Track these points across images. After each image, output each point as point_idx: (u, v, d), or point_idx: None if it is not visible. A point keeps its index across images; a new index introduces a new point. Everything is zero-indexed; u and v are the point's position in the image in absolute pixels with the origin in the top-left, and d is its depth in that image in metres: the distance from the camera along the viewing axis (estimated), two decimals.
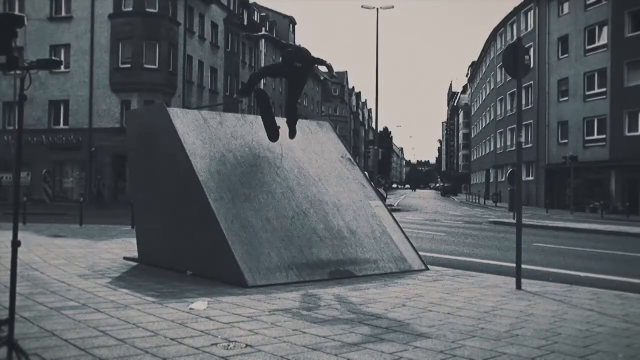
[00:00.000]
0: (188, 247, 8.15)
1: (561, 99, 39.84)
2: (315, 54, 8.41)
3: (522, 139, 8.18)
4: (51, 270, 8.13)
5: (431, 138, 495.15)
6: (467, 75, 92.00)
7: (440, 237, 16.33)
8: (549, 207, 36.12)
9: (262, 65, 51.44)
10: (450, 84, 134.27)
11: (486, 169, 64.43)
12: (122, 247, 11.27)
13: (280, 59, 8.44)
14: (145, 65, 33.39)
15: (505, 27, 53.26)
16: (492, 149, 59.96)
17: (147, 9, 33.71)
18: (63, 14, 35.11)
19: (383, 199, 11.51)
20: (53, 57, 4.49)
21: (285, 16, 65.55)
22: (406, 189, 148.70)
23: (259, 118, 9.90)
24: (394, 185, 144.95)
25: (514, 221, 12.11)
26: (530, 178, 43.72)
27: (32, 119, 33.99)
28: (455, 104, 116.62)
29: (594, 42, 36.58)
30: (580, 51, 37.49)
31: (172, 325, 5.02)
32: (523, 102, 30.48)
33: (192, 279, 7.61)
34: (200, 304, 5.85)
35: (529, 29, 44.88)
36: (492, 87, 60.26)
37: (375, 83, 37.34)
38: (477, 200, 54.77)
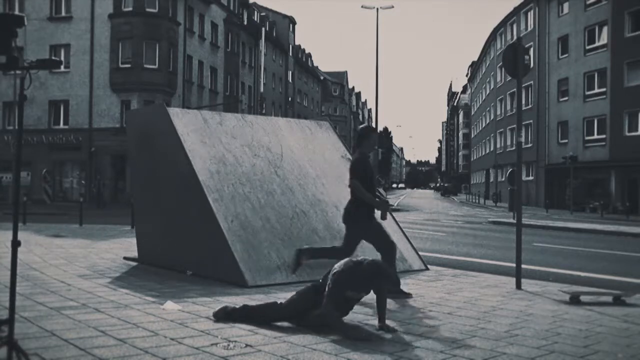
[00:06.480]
0: (188, 247, 8.15)
1: (561, 99, 39.84)
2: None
3: (522, 139, 8.18)
4: (51, 270, 8.13)
5: (431, 138, 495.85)
6: (467, 75, 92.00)
7: (440, 237, 16.32)
8: (549, 207, 36.11)
9: (262, 66, 51.42)
10: (450, 84, 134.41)
11: (486, 169, 64.43)
12: (122, 247, 11.27)
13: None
14: (145, 65, 33.40)
15: (505, 27, 53.27)
16: (492, 149, 59.97)
17: (147, 9, 33.72)
18: (63, 14, 35.12)
19: None
20: (53, 57, 4.49)
21: (285, 16, 65.56)
22: (401, 188, 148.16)
23: (259, 118, 9.91)
24: (393, 185, 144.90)
25: (514, 221, 12.12)
26: (530, 178, 43.72)
27: (32, 119, 34.01)
28: (455, 104, 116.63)
29: (594, 42, 36.58)
30: (580, 51, 37.49)
31: (172, 325, 5.02)
32: (523, 102, 30.49)
33: (192, 279, 7.61)
34: (171, 305, 5.81)
35: (529, 29, 44.88)
36: (492, 87, 60.26)
37: (375, 83, 37.33)
38: (477, 200, 54.76)
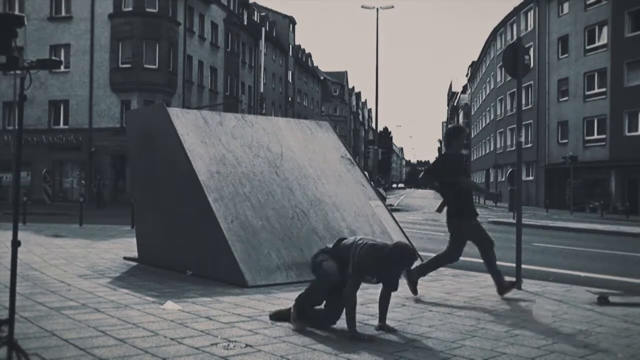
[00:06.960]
0: (188, 247, 8.16)
1: (561, 99, 39.82)
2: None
3: (522, 139, 8.19)
4: (51, 270, 8.13)
5: (431, 138, 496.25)
6: (467, 75, 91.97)
7: (440, 237, 16.30)
8: (549, 207, 36.09)
9: (262, 66, 51.43)
10: (450, 84, 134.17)
11: (486, 169, 64.41)
12: (122, 247, 11.27)
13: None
14: (145, 65, 33.39)
15: (505, 27, 53.25)
16: (492, 149, 59.94)
17: (147, 9, 33.71)
18: (63, 14, 35.11)
19: (383, 199, 11.51)
20: (53, 57, 4.49)
21: (285, 16, 65.57)
22: (400, 188, 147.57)
23: (259, 118, 9.92)
24: (393, 185, 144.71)
25: (514, 221, 12.11)
26: (530, 178, 43.71)
27: (32, 119, 33.99)
28: (455, 104, 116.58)
29: (594, 42, 36.56)
30: (580, 51, 37.48)
31: (172, 325, 5.02)
32: (523, 102, 30.47)
33: (192, 279, 7.61)
34: (171, 305, 5.81)
35: (529, 29, 44.86)
36: (492, 87, 60.24)
37: (375, 83, 37.36)
38: (477, 200, 54.65)
